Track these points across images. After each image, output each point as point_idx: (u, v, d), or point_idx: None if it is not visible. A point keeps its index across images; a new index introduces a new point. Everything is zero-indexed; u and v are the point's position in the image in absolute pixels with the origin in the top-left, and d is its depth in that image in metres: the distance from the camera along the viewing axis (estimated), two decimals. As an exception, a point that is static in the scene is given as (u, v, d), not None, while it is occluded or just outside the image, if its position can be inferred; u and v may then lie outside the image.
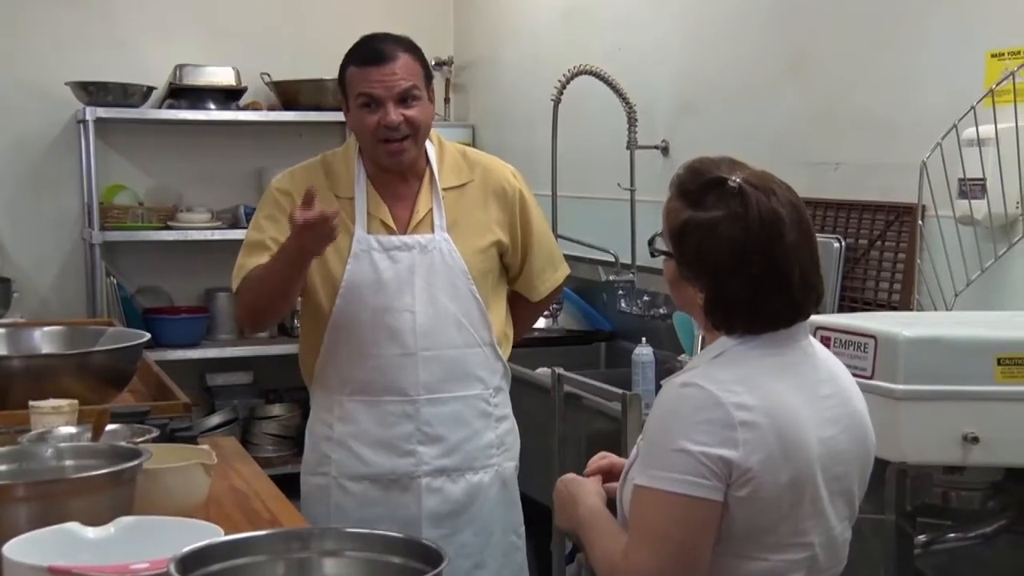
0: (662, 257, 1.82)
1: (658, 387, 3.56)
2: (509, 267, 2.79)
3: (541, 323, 3.96)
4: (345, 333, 2.65)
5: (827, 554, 1.77)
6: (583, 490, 1.92)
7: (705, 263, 1.73)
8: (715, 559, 1.70)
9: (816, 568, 1.76)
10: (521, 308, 2.87)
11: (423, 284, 2.64)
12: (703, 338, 3.58)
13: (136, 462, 1.89)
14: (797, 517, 1.71)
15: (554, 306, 4.12)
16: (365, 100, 2.59)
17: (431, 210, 2.67)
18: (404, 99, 2.59)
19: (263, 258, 2.63)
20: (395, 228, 2.66)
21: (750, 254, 1.71)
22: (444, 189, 2.69)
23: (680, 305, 1.84)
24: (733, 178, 1.73)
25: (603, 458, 2.02)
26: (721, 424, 1.66)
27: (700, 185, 1.74)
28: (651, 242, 1.86)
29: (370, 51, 2.61)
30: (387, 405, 2.66)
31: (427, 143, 2.69)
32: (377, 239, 2.65)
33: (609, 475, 1.98)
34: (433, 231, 2.66)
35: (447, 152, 2.74)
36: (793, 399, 1.72)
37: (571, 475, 1.98)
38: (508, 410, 2.82)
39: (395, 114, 2.57)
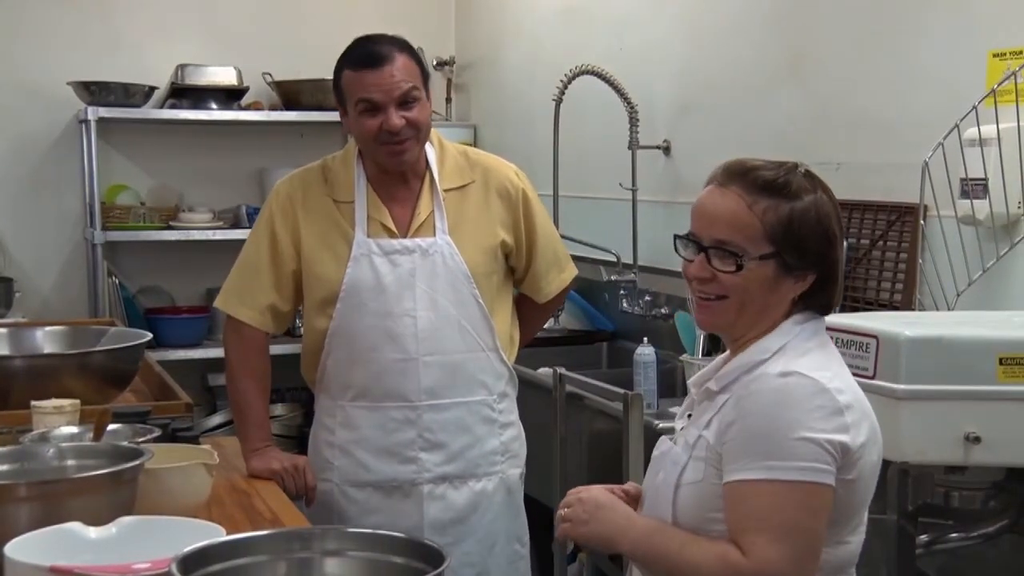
0: (737, 271, 1.72)
1: (660, 387, 3.57)
2: (514, 268, 2.77)
3: (543, 323, 3.96)
4: (346, 338, 2.64)
5: None
6: (621, 506, 1.82)
7: (822, 243, 1.74)
8: None
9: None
10: (528, 310, 2.85)
11: (424, 288, 2.62)
12: (704, 338, 3.60)
13: (137, 462, 1.89)
14: (870, 497, 1.75)
15: (556, 306, 4.11)
16: (366, 106, 2.55)
17: (432, 212, 2.65)
18: (405, 101, 2.55)
19: (254, 283, 2.65)
20: (396, 231, 2.64)
21: (841, 224, 1.77)
22: (445, 190, 2.67)
23: (758, 311, 1.75)
24: (799, 163, 1.77)
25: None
26: (831, 410, 1.66)
27: (783, 175, 1.74)
28: (739, 256, 1.72)
29: (365, 54, 2.56)
30: (388, 411, 2.65)
31: (427, 144, 2.67)
32: (377, 243, 2.62)
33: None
34: (435, 234, 2.64)
35: (448, 153, 2.71)
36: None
37: (587, 491, 1.85)
38: (514, 417, 2.80)
39: (396, 118, 2.53)
